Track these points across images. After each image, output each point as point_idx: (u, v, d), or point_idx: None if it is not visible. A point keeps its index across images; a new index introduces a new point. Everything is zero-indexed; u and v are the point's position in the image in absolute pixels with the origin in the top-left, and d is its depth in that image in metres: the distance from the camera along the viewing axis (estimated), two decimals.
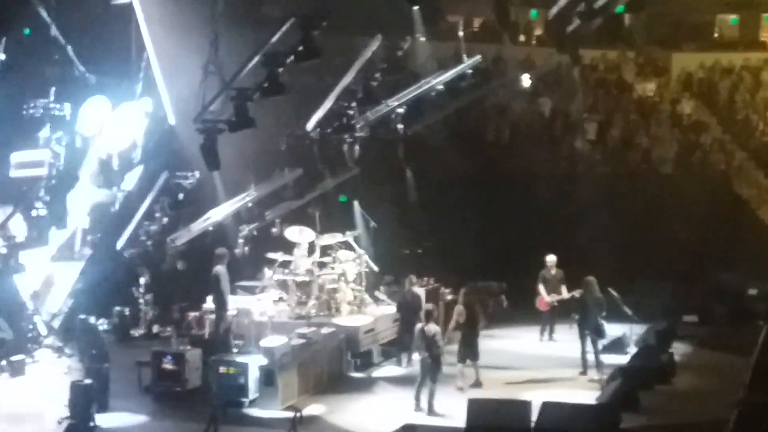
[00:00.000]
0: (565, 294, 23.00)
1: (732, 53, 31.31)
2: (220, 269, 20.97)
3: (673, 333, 22.70)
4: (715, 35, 32.55)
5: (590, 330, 20.76)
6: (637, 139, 29.75)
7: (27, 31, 22.14)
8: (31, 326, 21.94)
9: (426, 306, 21.95)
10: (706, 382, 20.40)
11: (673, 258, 26.21)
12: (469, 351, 19.93)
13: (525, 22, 32.82)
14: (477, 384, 19.84)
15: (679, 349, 22.29)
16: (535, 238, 25.31)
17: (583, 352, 20.84)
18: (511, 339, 21.57)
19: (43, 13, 22.07)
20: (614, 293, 22.43)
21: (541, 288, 23.34)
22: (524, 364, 21.35)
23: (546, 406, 16.15)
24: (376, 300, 22.80)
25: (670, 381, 20.19)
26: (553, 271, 23.39)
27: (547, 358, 22.06)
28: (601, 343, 21.83)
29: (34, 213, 19.74)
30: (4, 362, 20.62)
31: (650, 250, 26.61)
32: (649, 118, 30.26)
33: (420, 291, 23.07)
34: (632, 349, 21.75)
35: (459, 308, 20.20)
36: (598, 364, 20.40)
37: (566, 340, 22.91)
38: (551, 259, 23.41)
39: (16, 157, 22.18)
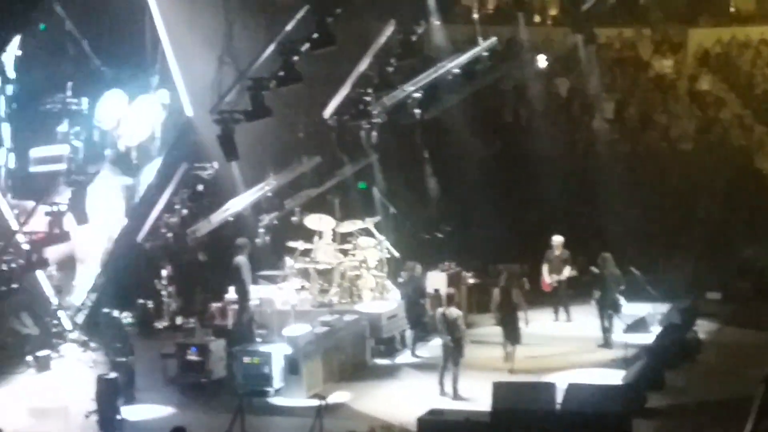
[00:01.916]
0: (565, 274, 23.05)
1: (749, 27, 31.04)
2: (241, 259, 21.03)
3: (696, 311, 22.57)
4: (732, 9, 32.28)
5: (608, 306, 21.03)
6: (655, 117, 29.61)
7: (42, 26, 22.13)
8: (55, 321, 22.04)
9: (448, 290, 21.95)
10: (731, 360, 20.33)
11: (695, 235, 26.11)
12: (509, 334, 20.05)
13: (540, 3, 32.57)
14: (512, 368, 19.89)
15: (703, 327, 22.20)
16: (555, 219, 25.23)
17: (604, 329, 21.16)
18: (532, 321, 21.58)
19: (58, 8, 22.08)
20: (636, 272, 22.40)
21: (544, 268, 23.41)
22: (543, 345, 21.30)
23: (571, 388, 16.11)
24: (398, 285, 22.81)
25: (694, 359, 20.15)
26: (558, 252, 23.42)
27: (565, 339, 22.06)
28: (625, 322, 21.90)
29: (54, 208, 19.76)
30: (30, 358, 20.74)
31: (671, 227, 26.51)
32: (666, 95, 30.11)
33: (441, 276, 23.13)
34: (656, 329, 21.69)
35: (496, 291, 20.43)
36: (611, 341, 20.88)
37: (584, 319, 22.94)
38: (557, 239, 23.44)
39: (35, 152, 22.25)
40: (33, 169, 22.20)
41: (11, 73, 22.07)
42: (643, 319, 22.39)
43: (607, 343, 21.28)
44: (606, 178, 26.81)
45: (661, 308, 22.62)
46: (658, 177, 27.45)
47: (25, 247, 20.03)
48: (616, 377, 18.42)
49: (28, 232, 20.13)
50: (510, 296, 20.53)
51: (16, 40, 21.41)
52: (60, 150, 22.37)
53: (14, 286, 19.23)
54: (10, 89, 22.14)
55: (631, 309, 22.27)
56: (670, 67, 30.80)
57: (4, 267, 19.05)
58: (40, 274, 21.74)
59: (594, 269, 21.83)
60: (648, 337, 20.99)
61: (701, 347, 20.70)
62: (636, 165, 27.74)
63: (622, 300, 21.52)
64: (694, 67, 30.92)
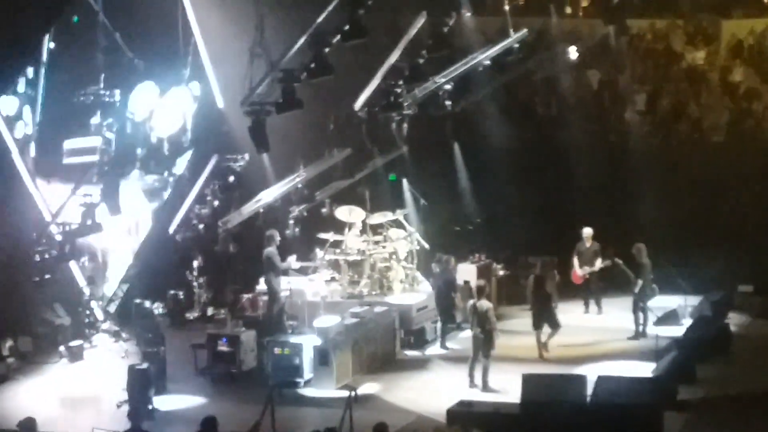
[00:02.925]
0: (597, 266, 23.01)
1: None
2: (271, 251, 21.10)
3: (728, 303, 22.53)
4: (765, 0, 32.00)
5: (642, 294, 21.17)
6: (687, 109, 29.42)
7: (75, 18, 22.27)
8: (88, 312, 22.24)
9: (478, 282, 21.90)
10: (762, 352, 20.23)
11: (727, 227, 25.92)
12: (546, 321, 20.24)
13: None
14: (541, 356, 20.06)
15: (734, 320, 22.14)
16: (586, 211, 25.14)
17: (636, 320, 21.35)
18: (562, 313, 21.54)
19: (91, 0, 22.21)
20: (667, 264, 22.33)
21: (575, 261, 23.37)
22: (574, 336, 21.25)
23: (601, 380, 16.09)
24: (428, 277, 22.81)
25: (726, 352, 20.05)
26: (588, 244, 23.40)
27: (595, 330, 22.05)
28: (656, 314, 21.84)
29: (87, 200, 19.91)
30: (63, 348, 20.95)
31: (703, 219, 26.34)
32: (699, 87, 29.91)
33: (471, 268, 23.12)
34: (687, 321, 21.62)
35: (530, 279, 20.78)
36: (644, 331, 21.13)
37: (614, 311, 22.89)
38: (587, 231, 23.43)
39: (68, 144, 22.41)
40: (66, 160, 22.35)
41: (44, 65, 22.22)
42: (674, 311, 22.31)
43: (638, 335, 21.28)
44: (637, 169, 26.67)
45: (693, 300, 22.55)
46: (690, 169, 27.27)
47: (58, 237, 20.19)
48: (646, 369, 18.36)
49: (61, 222, 20.27)
50: (544, 285, 20.67)
51: (50, 32, 21.52)
52: (93, 141, 22.53)
53: (47, 276, 19.39)
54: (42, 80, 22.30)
55: (662, 301, 22.20)
56: (703, 58, 30.57)
57: (38, 258, 19.22)
58: (72, 264, 21.91)
59: (618, 261, 21.81)
60: (679, 330, 20.92)
61: (732, 340, 20.61)
62: (668, 157, 27.57)
63: (656, 290, 21.52)
64: (726, 58, 30.68)
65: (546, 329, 20.37)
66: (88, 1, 22.11)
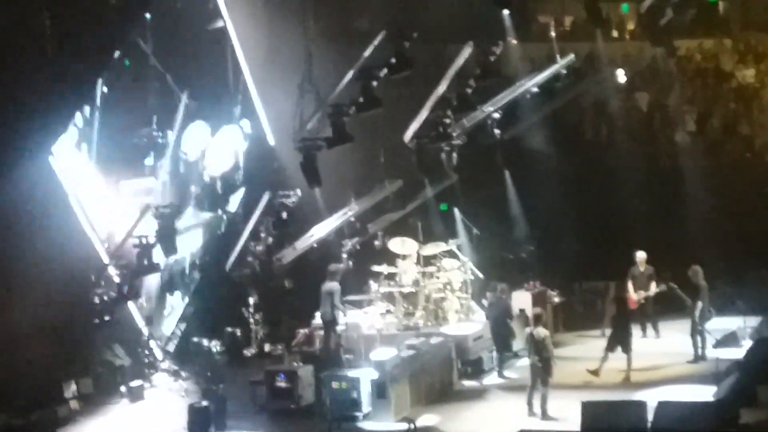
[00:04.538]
0: (652, 290, 22.83)
1: None
2: (335, 285, 21.22)
3: None
4: None
5: (699, 317, 21.06)
6: (738, 128, 29.21)
7: (127, 62, 22.62)
8: (147, 351, 22.41)
9: (534, 310, 21.84)
10: None
11: None
12: (618, 341, 20.17)
13: (617, 18, 32.45)
14: (595, 372, 20.06)
15: None
16: (639, 235, 25.00)
17: (695, 343, 21.22)
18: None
19: (142, 44, 22.54)
20: (724, 285, 22.13)
21: (630, 285, 23.17)
22: (634, 361, 21.05)
23: (662, 406, 15.96)
24: (483, 307, 22.77)
25: None
26: (642, 268, 23.16)
27: (654, 354, 21.82)
28: (715, 337, 21.61)
29: (143, 240, 20.15)
30: (123, 388, 21.12)
31: (759, 239, 26.08)
32: (750, 106, 29.70)
33: (526, 295, 23.05)
34: (747, 342, 21.35)
35: (610, 301, 20.79)
36: (703, 354, 21.02)
37: (672, 335, 22.71)
38: (641, 255, 23.20)
39: (123, 186, 22.68)
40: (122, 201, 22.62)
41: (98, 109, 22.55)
42: (733, 333, 22.01)
43: (697, 358, 21.08)
44: (690, 191, 26.52)
45: (752, 322, 22.27)
46: (744, 188, 27.04)
47: (116, 279, 20.44)
48: (707, 393, 18.18)
49: (119, 264, 20.51)
50: (626, 306, 20.66)
51: (103, 77, 21.85)
52: (148, 183, 22.82)
53: (107, 318, 19.61)
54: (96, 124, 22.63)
55: (721, 323, 21.97)
56: (753, 76, 30.38)
57: (97, 300, 19.44)
58: (131, 305, 22.13)
59: (672, 285, 21.75)
60: (739, 352, 20.61)
61: None
62: (720, 177, 27.37)
63: (713, 312, 21.34)
64: None
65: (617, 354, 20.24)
66: (138, 44, 22.44)
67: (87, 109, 21.79)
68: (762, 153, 28.58)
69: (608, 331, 20.97)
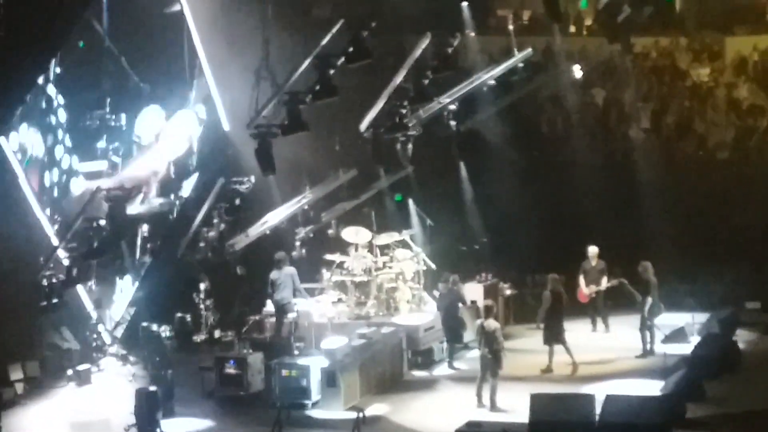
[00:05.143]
0: (603, 285, 22.99)
1: None
2: (292, 269, 21.27)
3: (736, 320, 22.45)
4: None
5: (648, 312, 21.18)
6: (692, 126, 29.45)
7: (81, 43, 22.37)
8: (95, 336, 22.22)
9: (485, 301, 21.90)
10: None
11: (733, 244, 25.89)
12: (554, 335, 20.26)
13: (575, 13, 32.57)
14: (548, 370, 20.06)
15: (743, 337, 22.07)
16: (592, 229, 25.14)
17: (643, 338, 21.31)
18: (568, 332, 21.45)
19: (97, 25, 22.31)
20: (674, 282, 22.31)
21: (581, 279, 23.34)
22: (581, 354, 21.17)
23: (609, 399, 16.08)
24: (435, 298, 22.80)
25: (734, 369, 19.98)
26: (594, 263, 23.37)
27: (603, 348, 22.00)
28: (663, 332, 21.81)
29: (94, 223, 19.94)
30: (70, 372, 20.94)
31: (710, 237, 26.31)
32: (704, 104, 29.94)
33: (478, 287, 23.12)
34: (695, 338, 21.58)
35: (546, 294, 20.66)
36: (652, 349, 21.15)
37: (622, 330, 22.85)
38: (593, 250, 23.41)
39: (76, 167, 22.45)
40: (73, 185, 22.41)
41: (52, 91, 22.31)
42: (682, 329, 22.26)
43: (646, 353, 21.24)
44: (643, 187, 26.70)
45: (700, 318, 22.51)
46: (696, 186, 27.27)
47: (66, 262, 20.23)
48: (655, 388, 18.31)
49: (69, 247, 20.30)
50: (561, 300, 20.69)
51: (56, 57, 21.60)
52: (99, 165, 22.60)
53: (55, 300, 19.39)
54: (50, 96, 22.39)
55: (670, 319, 22.16)
56: (708, 75, 30.64)
57: (45, 282, 19.23)
58: (80, 288, 21.93)
59: (623, 281, 21.86)
60: (687, 347, 20.87)
61: (741, 357, 20.54)
62: (673, 174, 27.59)
63: (662, 308, 21.51)
64: (731, 75, 30.73)
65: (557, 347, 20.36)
66: (93, 26, 22.20)
67: (39, 89, 21.58)
68: (714, 151, 28.84)
69: (542, 325, 21.00)
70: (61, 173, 22.33)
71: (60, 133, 22.26)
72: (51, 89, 22.04)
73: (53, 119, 22.22)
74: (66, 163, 22.38)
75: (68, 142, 22.35)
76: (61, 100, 22.16)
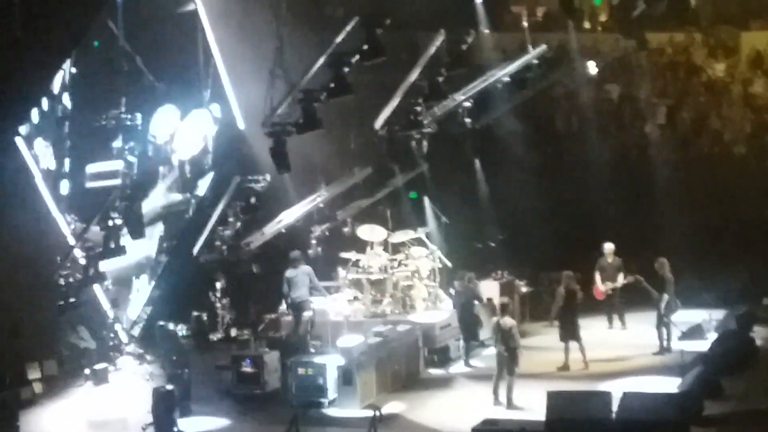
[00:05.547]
0: (620, 282, 22.92)
1: None
2: (308, 268, 21.22)
3: (753, 317, 22.40)
4: None
5: (665, 309, 21.10)
6: (708, 121, 29.36)
7: (96, 43, 22.43)
8: (112, 335, 22.31)
9: (501, 299, 21.93)
10: None
11: (750, 240, 25.82)
12: (569, 333, 20.26)
13: (589, 9, 32.50)
14: (564, 367, 20.06)
15: (760, 333, 21.98)
16: (608, 226, 25.09)
17: (660, 335, 21.23)
18: (584, 329, 21.42)
19: (111, 25, 22.35)
20: (691, 278, 22.26)
21: (597, 276, 23.27)
22: (598, 351, 21.16)
23: (626, 397, 16.02)
24: (451, 295, 22.79)
25: (752, 366, 19.92)
26: (610, 259, 23.29)
27: (620, 346, 21.95)
28: (680, 329, 21.75)
29: (110, 223, 19.98)
30: (87, 371, 21.01)
31: (726, 232, 26.25)
32: (720, 100, 29.85)
33: (493, 285, 23.10)
34: (712, 335, 21.51)
35: (559, 291, 20.59)
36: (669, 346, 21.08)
37: (638, 327, 22.80)
38: (609, 247, 23.33)
39: (90, 168, 22.51)
40: (89, 184, 22.44)
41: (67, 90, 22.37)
42: (699, 325, 22.20)
43: (662, 350, 21.19)
44: (659, 183, 26.65)
45: (717, 315, 22.44)
46: (712, 182, 27.20)
47: (82, 261, 20.29)
48: (672, 385, 18.28)
49: (85, 246, 20.36)
50: (575, 297, 20.60)
51: (71, 57, 21.66)
52: (115, 165, 22.62)
53: (72, 300, 19.46)
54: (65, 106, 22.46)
55: (686, 316, 22.11)
56: (723, 70, 30.51)
57: (62, 282, 19.30)
58: (96, 288, 22.01)
59: (639, 278, 21.86)
60: (704, 344, 20.82)
61: (758, 353, 20.47)
62: (689, 170, 27.52)
63: (678, 304, 21.45)
64: (747, 70, 30.62)
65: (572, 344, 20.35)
66: (108, 26, 22.25)
67: (56, 89, 21.63)
68: (730, 146, 28.75)
69: (556, 323, 20.97)
70: (73, 183, 22.40)
71: (72, 140, 22.33)
72: (66, 99, 22.12)
73: (66, 127, 22.28)
74: (78, 171, 22.44)
75: (80, 148, 22.39)
76: (73, 105, 22.20)
